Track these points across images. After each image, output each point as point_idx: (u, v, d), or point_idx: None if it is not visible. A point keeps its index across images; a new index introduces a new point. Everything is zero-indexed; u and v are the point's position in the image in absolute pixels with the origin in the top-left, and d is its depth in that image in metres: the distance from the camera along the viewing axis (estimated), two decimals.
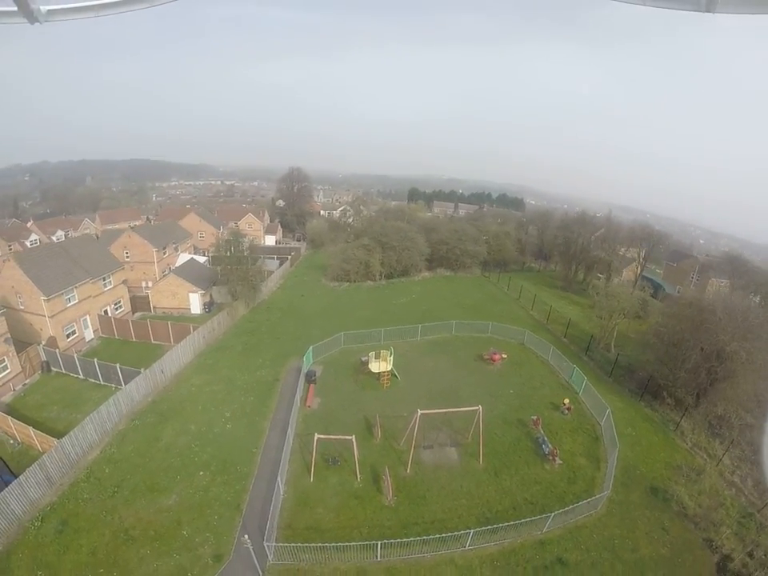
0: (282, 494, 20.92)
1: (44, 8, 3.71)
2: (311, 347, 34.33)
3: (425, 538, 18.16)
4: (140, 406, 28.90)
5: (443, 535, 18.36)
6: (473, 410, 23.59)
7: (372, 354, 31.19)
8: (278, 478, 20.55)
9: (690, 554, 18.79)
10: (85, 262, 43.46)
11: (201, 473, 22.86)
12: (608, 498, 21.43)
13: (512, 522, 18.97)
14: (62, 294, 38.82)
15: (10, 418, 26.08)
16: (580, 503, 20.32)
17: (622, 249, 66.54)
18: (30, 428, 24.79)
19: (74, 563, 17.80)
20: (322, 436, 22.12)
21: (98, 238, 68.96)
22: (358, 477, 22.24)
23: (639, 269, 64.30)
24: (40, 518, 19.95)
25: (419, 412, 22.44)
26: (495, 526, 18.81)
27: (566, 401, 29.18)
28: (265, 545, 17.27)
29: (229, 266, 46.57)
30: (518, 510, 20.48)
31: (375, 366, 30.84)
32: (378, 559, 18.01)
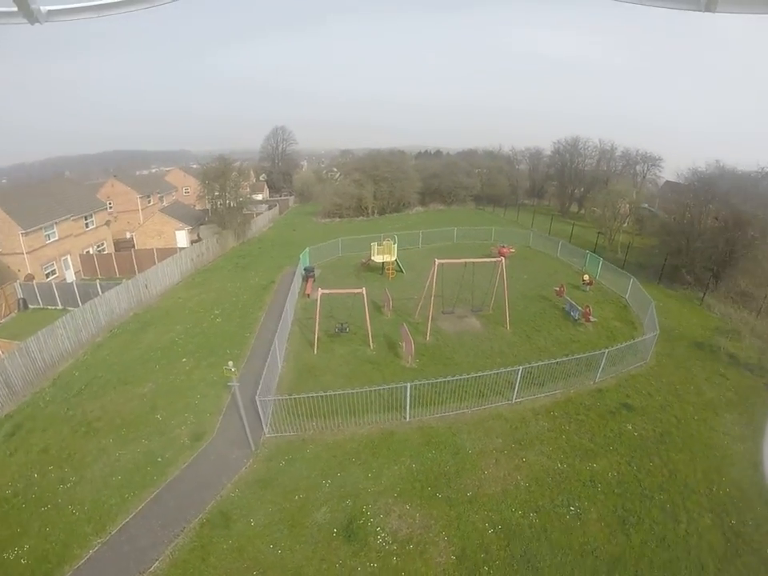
0: (279, 367, 16.36)
1: (44, 8, 2.99)
2: (308, 248, 29.41)
3: (465, 377, 14.17)
4: (121, 320, 24.08)
5: (485, 373, 14.36)
6: (495, 261, 19.12)
7: (374, 245, 26.49)
8: (276, 349, 15.80)
9: (757, 397, 15.70)
10: (66, 200, 38.08)
11: (184, 359, 18.22)
12: (655, 352, 17.72)
13: (565, 358, 15.59)
14: (41, 228, 33.52)
15: None
16: (636, 340, 16.78)
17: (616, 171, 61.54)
18: None
19: (19, 464, 13.06)
20: (326, 290, 17.46)
21: None
22: (371, 345, 17.79)
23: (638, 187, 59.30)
24: None
25: (437, 261, 17.83)
26: (545, 362, 15.01)
27: (586, 276, 25.18)
28: (257, 400, 12.54)
29: (217, 193, 40.86)
30: (561, 364, 16.03)
31: (379, 258, 26.18)
32: (408, 419, 13.69)
